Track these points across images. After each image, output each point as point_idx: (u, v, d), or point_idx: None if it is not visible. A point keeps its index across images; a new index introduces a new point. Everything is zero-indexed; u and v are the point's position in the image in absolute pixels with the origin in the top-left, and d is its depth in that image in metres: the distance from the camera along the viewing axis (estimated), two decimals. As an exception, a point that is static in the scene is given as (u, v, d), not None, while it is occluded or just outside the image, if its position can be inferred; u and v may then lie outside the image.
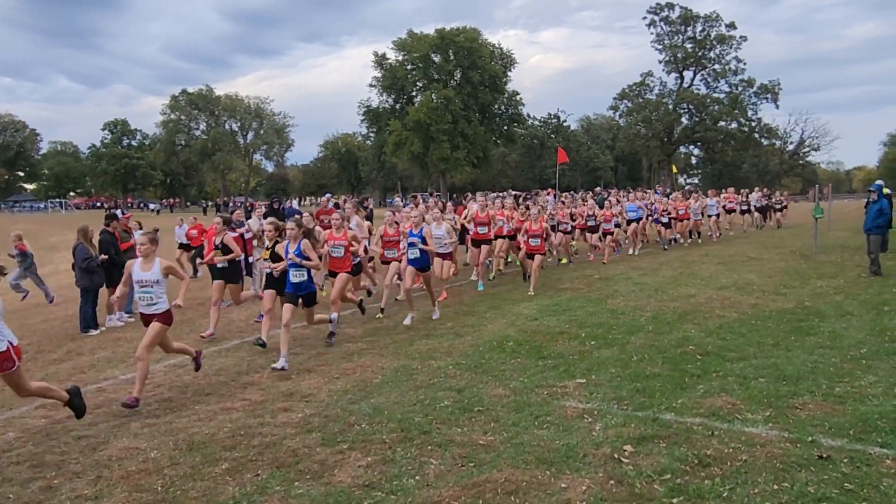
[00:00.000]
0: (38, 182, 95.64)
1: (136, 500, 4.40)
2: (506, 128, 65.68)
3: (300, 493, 4.36)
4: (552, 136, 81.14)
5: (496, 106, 63.56)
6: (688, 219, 20.77)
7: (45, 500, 4.51)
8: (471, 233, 13.81)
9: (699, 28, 67.55)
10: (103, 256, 10.81)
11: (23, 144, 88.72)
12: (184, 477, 4.74)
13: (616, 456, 4.65)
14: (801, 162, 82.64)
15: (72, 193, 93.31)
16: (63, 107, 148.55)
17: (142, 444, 5.44)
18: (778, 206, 28.45)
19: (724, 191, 28.33)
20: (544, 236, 12.58)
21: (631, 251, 18.72)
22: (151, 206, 72.74)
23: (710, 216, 23.21)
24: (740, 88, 67.49)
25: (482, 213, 13.50)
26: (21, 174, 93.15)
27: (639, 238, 19.33)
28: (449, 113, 57.53)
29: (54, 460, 5.22)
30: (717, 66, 68.26)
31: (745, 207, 27.00)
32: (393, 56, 62.00)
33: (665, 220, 20.15)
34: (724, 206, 24.55)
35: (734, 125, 68.47)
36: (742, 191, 30.15)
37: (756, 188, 32.01)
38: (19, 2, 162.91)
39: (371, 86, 63.18)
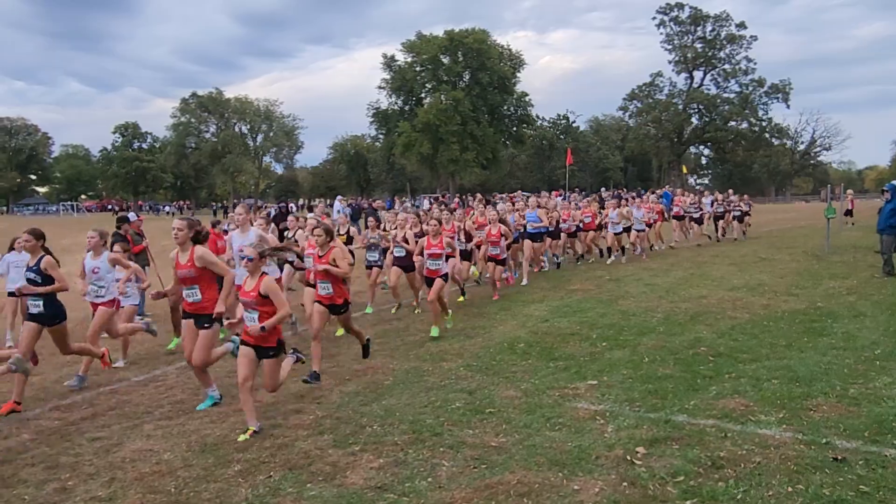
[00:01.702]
0: (50, 185, 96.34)
1: (149, 502, 4.42)
2: (515, 129, 65.65)
3: (313, 494, 4.37)
4: (561, 136, 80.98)
5: (505, 107, 63.52)
6: (593, 229, 17.33)
7: (60, 502, 4.53)
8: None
9: (709, 28, 67.37)
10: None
11: (35, 148, 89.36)
12: (197, 478, 4.76)
13: (628, 458, 4.63)
14: (812, 162, 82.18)
15: (83, 196, 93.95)
16: (73, 110, 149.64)
17: (155, 446, 5.47)
18: (737, 213, 22.45)
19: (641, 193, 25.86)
20: (504, 242, 11.92)
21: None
22: (166, 208, 73.03)
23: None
24: (751, 88, 67.22)
25: (482, 218, 13.41)
26: (33, 177, 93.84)
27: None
28: (458, 114, 57.57)
29: (69, 462, 5.26)
30: (727, 66, 68.02)
31: (696, 214, 22.32)
32: (402, 58, 62.16)
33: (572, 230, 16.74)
34: (671, 212, 21.98)
35: (745, 125, 68.18)
36: (697, 194, 26.04)
37: (709, 192, 28.71)
38: (30, 5, 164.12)
39: (380, 87, 63.38)
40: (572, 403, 5.92)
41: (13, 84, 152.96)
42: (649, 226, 18.81)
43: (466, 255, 12.44)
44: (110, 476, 4.91)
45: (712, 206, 22.80)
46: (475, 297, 12.32)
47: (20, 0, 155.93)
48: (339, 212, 22.58)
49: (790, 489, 4.07)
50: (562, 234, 16.16)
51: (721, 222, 22.31)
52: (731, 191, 27.01)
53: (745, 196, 24.65)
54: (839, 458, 4.44)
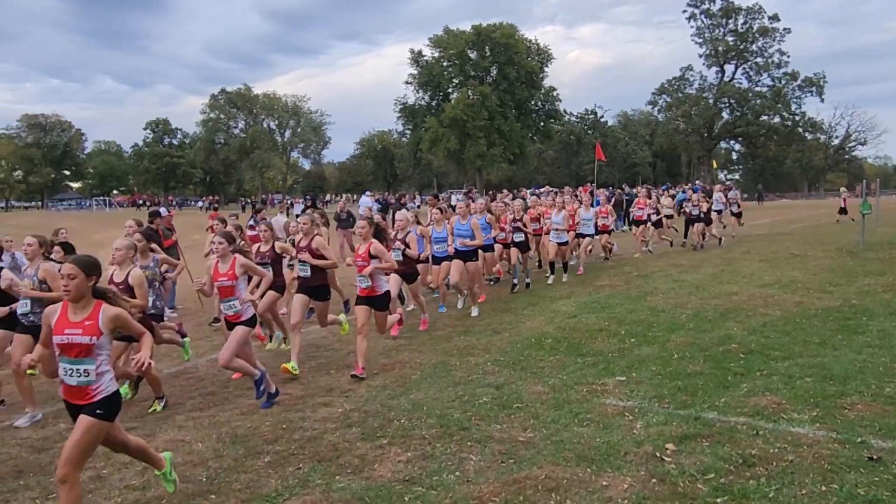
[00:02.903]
0: (84, 181, 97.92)
1: (181, 491, 4.49)
2: (542, 124, 65.23)
3: (341, 486, 4.41)
4: (589, 132, 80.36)
5: (533, 102, 63.13)
6: (606, 231, 16.21)
7: (96, 490, 4.64)
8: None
9: (741, 21, 66.09)
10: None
11: (69, 144, 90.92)
12: (228, 469, 4.83)
13: (658, 454, 4.59)
14: (846, 157, 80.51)
15: (115, 192, 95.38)
16: (107, 107, 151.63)
17: (186, 437, 5.56)
18: (697, 215, 18.73)
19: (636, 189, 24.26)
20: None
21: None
22: (199, 203, 73.79)
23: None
24: (783, 82, 65.89)
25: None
26: (67, 173, 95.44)
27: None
28: (485, 109, 57.36)
29: (103, 451, 5.32)
30: (759, 60, 66.74)
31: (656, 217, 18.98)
32: (429, 53, 62.04)
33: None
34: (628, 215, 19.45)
35: (777, 119, 66.91)
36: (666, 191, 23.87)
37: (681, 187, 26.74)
38: (67, 4, 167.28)
39: (407, 83, 63.32)
40: (600, 399, 5.89)
41: (49, 82, 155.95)
42: (606, 231, 16.15)
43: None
44: (144, 465, 4.98)
45: (680, 206, 20.07)
46: (502, 292, 12.29)
47: (61, 0, 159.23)
48: (368, 207, 22.66)
49: (824, 488, 4.00)
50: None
51: (698, 225, 18.66)
52: (720, 186, 25.65)
53: (739, 191, 23.87)
54: (874, 457, 4.36)
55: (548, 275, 13.62)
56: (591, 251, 15.42)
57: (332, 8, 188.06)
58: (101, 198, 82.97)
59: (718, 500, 3.93)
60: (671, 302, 10.22)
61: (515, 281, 12.82)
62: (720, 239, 19.41)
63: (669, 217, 20.53)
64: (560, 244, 13.29)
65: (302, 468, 4.77)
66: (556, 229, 13.09)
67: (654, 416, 5.38)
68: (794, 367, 6.48)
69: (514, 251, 12.92)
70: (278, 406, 6.30)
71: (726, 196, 23.03)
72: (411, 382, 6.81)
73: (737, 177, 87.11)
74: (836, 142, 78.48)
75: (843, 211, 27.95)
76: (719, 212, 20.91)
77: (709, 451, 4.59)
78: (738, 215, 22.33)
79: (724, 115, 69.14)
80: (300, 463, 4.86)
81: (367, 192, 49.99)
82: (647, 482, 4.19)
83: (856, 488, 3.97)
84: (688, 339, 7.89)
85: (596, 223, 15.30)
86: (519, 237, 12.79)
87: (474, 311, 10.29)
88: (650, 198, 20.25)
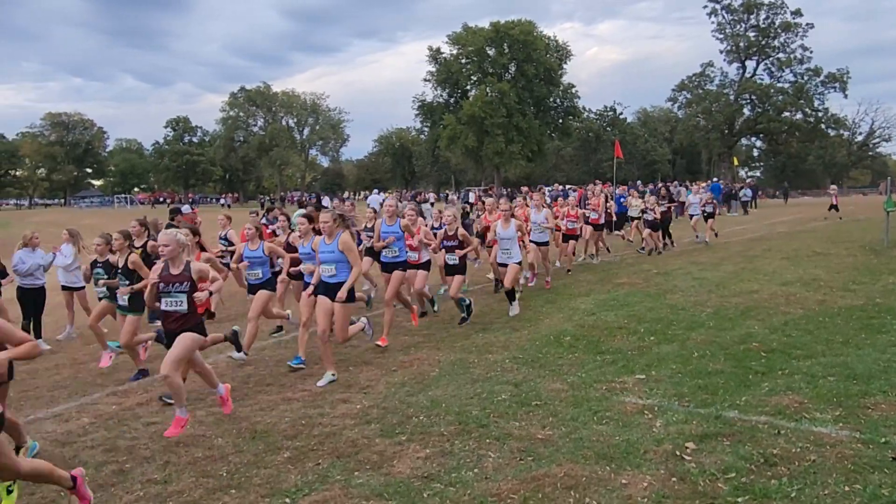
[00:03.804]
0: (105, 178, 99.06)
1: (202, 486, 4.54)
2: (561, 121, 64.96)
3: (360, 482, 4.43)
4: (608, 128, 79.86)
5: (551, 99, 62.85)
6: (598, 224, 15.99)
7: (118, 483, 4.69)
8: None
9: (762, 16, 65.25)
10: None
11: (91, 142, 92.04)
12: (248, 464, 4.87)
13: (678, 453, 4.56)
14: (870, 153, 79.31)
15: (136, 189, 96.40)
16: (128, 105, 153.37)
17: (207, 432, 5.62)
18: (651, 221, 17.28)
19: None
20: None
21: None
22: (221, 201, 74.33)
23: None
24: (806, 78, 65.01)
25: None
26: (89, 171, 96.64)
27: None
28: (503, 106, 57.21)
29: (125, 445, 5.43)
30: (781, 55, 65.87)
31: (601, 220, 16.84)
32: (447, 50, 61.93)
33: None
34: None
35: (799, 116, 66.02)
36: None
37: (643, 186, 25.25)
38: (90, 4, 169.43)
39: (426, 80, 63.29)
40: (620, 397, 5.86)
41: (72, 81, 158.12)
42: (574, 237, 14.84)
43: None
44: (165, 460, 5.05)
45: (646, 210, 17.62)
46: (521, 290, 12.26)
47: (84, 0, 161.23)
48: (379, 204, 22.76)
49: (847, 488, 3.96)
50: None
51: (650, 231, 17.35)
52: (696, 186, 23.42)
53: (709, 195, 20.17)
54: (899, 458, 4.30)
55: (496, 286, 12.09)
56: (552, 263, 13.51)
57: (350, 6, 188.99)
58: (123, 195, 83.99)
59: (739, 500, 3.90)
60: (691, 300, 10.15)
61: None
62: (655, 249, 17.33)
63: (636, 219, 19.17)
64: (539, 244, 12.37)
65: (321, 464, 4.79)
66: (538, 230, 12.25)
67: (673, 414, 5.34)
68: (816, 366, 6.41)
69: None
70: (297, 402, 6.34)
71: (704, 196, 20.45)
72: (430, 379, 6.81)
73: (758, 174, 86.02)
74: (859, 138, 77.33)
75: (834, 208, 28.12)
76: (693, 216, 19.72)
77: (729, 450, 4.56)
78: (711, 216, 19.47)
79: (746, 111, 68.35)
80: (319, 459, 4.89)
81: (376, 190, 50.07)
82: (666, 481, 4.17)
83: (879, 489, 3.92)
84: (708, 337, 7.82)
85: (587, 219, 15.53)
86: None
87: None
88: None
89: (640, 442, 4.80)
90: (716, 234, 19.92)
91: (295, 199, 54.97)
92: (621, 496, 4.02)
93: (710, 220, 19.34)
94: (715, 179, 40.36)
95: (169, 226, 11.73)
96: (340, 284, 7.00)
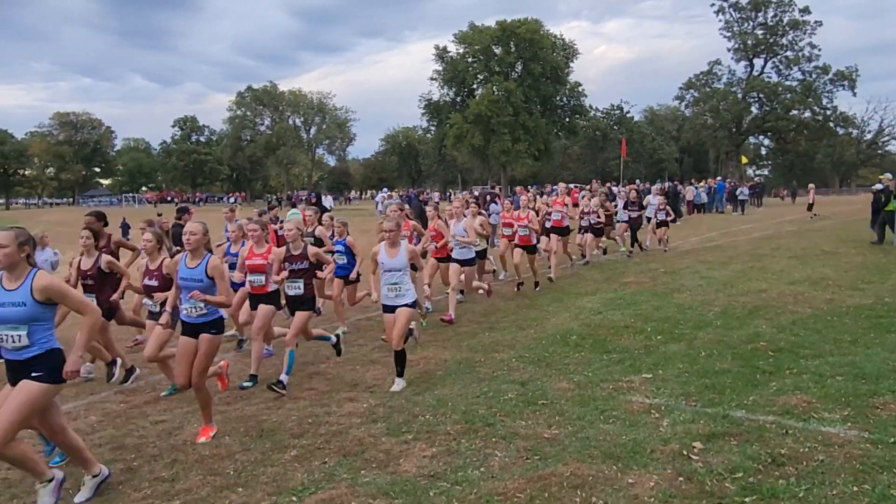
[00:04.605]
0: (113, 177, 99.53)
1: (209, 484, 4.55)
2: (567, 120, 64.79)
3: (367, 481, 4.43)
4: (615, 127, 79.68)
5: (558, 98, 62.70)
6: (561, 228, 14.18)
7: (126, 481, 4.71)
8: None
9: (770, 13, 64.98)
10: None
11: (99, 141, 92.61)
12: (255, 462, 4.88)
13: (685, 452, 4.55)
14: (879, 152, 78.86)
15: (144, 188, 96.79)
16: (136, 105, 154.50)
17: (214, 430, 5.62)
18: (589, 225, 15.46)
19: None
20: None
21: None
22: (231, 200, 74.41)
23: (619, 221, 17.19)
24: (814, 76, 64.70)
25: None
26: (97, 170, 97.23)
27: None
28: (510, 105, 57.08)
29: (133, 443, 5.45)
30: (789, 53, 65.60)
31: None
32: (454, 49, 61.83)
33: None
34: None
35: (807, 114, 65.75)
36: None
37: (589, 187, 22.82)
38: (99, 5, 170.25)
39: (432, 79, 63.21)
40: (626, 397, 5.85)
41: (81, 80, 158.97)
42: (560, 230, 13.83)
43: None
44: (172, 458, 5.07)
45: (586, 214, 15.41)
46: (526, 289, 12.25)
47: (93, 0, 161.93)
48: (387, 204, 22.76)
49: (855, 488, 3.93)
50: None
51: (587, 236, 15.50)
52: (657, 188, 21.93)
53: (662, 200, 17.94)
54: (908, 458, 4.27)
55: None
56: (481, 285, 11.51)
57: (357, 5, 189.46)
58: (131, 194, 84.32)
59: (747, 500, 3.88)
60: (698, 299, 10.11)
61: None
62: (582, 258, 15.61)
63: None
64: (462, 262, 10.19)
65: (328, 462, 4.80)
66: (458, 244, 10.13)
67: (680, 413, 5.32)
68: (824, 366, 6.38)
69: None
70: (304, 401, 6.35)
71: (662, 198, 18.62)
72: (436, 378, 6.81)
73: (766, 172, 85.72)
74: (868, 136, 76.90)
75: (810, 207, 28.51)
76: (651, 220, 18.06)
77: (737, 450, 4.54)
78: (664, 224, 17.54)
79: (753, 109, 68.11)
80: (326, 457, 4.89)
81: (384, 189, 50.12)
82: (673, 480, 4.15)
83: (888, 489, 3.90)
84: (715, 336, 7.80)
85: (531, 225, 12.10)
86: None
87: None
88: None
89: (647, 441, 4.78)
90: (651, 245, 17.93)
91: (302, 197, 54.92)
92: (628, 495, 4.01)
93: (662, 228, 17.36)
94: (719, 178, 40.12)
95: (175, 225, 11.78)
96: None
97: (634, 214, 17.36)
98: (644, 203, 18.87)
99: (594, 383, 6.28)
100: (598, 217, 15.60)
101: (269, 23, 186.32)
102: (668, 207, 17.81)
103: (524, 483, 4.22)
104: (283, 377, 6.72)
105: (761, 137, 74.65)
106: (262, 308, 7.39)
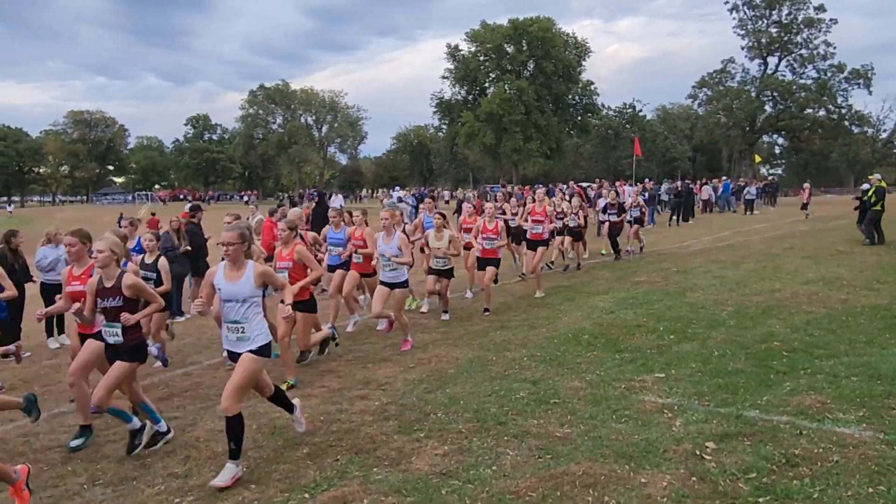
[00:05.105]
0: (126, 175, 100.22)
1: (223, 480, 4.57)
2: (579, 118, 64.69)
3: (379, 478, 4.44)
4: (627, 126, 79.41)
5: (570, 96, 62.61)
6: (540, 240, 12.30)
7: (140, 477, 4.75)
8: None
9: (785, 11, 64.53)
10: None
11: (112, 140, 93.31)
12: (267, 460, 4.91)
13: (698, 452, 4.53)
14: (895, 150, 78.15)
15: (157, 186, 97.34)
16: (150, 103, 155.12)
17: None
18: (573, 227, 14.44)
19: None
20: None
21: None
22: (245, 198, 74.66)
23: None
24: (829, 74, 64.20)
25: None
26: (111, 168, 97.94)
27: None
28: (522, 104, 57.04)
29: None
30: (804, 51, 65.12)
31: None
32: (466, 47, 61.88)
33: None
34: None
35: (822, 112, 65.25)
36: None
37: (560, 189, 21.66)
38: (115, 4, 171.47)
39: (444, 78, 63.31)
40: (639, 396, 5.83)
41: (95, 79, 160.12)
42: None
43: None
44: (186, 454, 5.11)
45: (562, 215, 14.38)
46: (538, 288, 12.23)
47: (108, 0, 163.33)
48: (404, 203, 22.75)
49: (871, 490, 3.91)
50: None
51: (564, 239, 14.43)
52: (638, 189, 20.28)
53: (635, 198, 17.02)
54: (924, 459, 4.23)
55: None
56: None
57: (370, 4, 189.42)
58: (143, 192, 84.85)
59: (760, 500, 3.86)
60: (711, 298, 10.06)
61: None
62: (577, 264, 14.78)
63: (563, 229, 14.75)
64: (392, 285, 8.26)
65: (340, 460, 4.81)
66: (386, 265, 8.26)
67: (693, 413, 5.30)
68: (839, 366, 6.33)
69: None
70: (316, 398, 6.37)
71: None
72: (448, 377, 6.81)
73: (780, 171, 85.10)
74: (884, 135, 76.20)
75: (804, 206, 28.10)
76: (632, 222, 16.52)
77: (750, 450, 4.51)
78: (638, 222, 16.72)
79: (767, 108, 67.71)
80: (338, 455, 4.91)
81: (397, 187, 50.15)
82: (686, 480, 4.14)
83: (904, 491, 3.87)
84: (729, 336, 7.75)
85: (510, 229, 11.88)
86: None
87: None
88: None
89: (660, 441, 4.76)
90: (630, 249, 16.78)
91: (313, 195, 54.97)
92: (640, 495, 4.00)
93: (634, 226, 16.44)
94: (724, 178, 39.72)
95: (189, 223, 11.84)
96: None
97: (615, 218, 15.90)
98: (633, 204, 17.19)
99: (606, 382, 6.26)
100: (578, 219, 14.36)
101: (282, 21, 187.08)
102: (640, 205, 16.79)
103: (536, 482, 4.22)
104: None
105: (775, 136, 74.21)
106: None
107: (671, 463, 4.40)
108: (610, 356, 7.21)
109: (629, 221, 16.46)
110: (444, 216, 9.56)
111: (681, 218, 26.77)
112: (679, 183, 33.83)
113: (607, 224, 16.30)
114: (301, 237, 8.33)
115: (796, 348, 7.06)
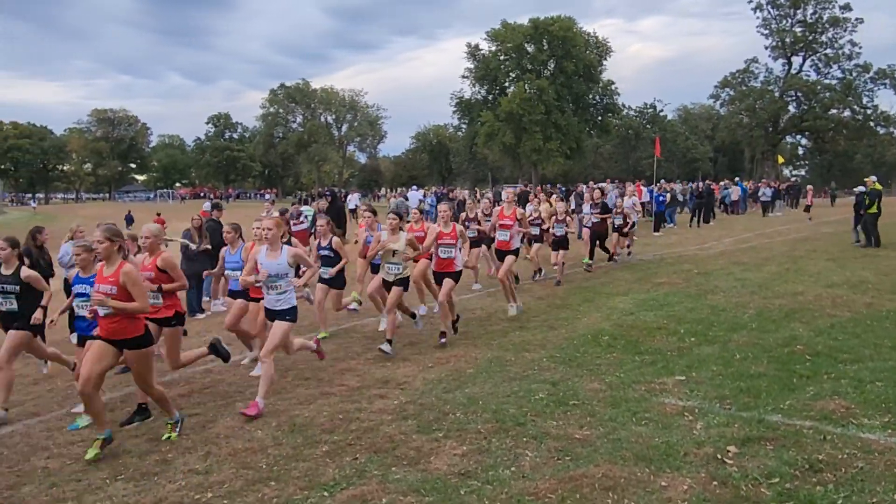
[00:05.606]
0: (148, 173, 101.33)
1: (242, 477, 4.61)
2: (600, 118, 64.23)
3: (397, 478, 4.44)
4: (648, 126, 78.84)
5: (590, 96, 62.19)
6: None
7: (161, 472, 4.79)
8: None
9: (810, 10, 63.60)
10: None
11: (135, 138, 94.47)
12: (287, 457, 4.93)
13: (719, 456, 4.48)
14: (921, 152, 76.93)
15: (178, 184, 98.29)
16: (173, 102, 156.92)
17: (247, 425, 5.69)
18: (559, 232, 13.11)
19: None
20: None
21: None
22: (266, 196, 75.01)
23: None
24: (855, 74, 63.21)
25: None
26: (133, 166, 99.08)
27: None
28: (542, 103, 56.74)
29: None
30: (828, 51, 64.15)
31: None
32: (486, 47, 61.64)
33: None
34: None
35: (847, 113, 64.24)
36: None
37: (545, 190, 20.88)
38: (141, 4, 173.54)
39: (464, 77, 63.17)
40: (659, 398, 5.78)
41: (120, 78, 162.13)
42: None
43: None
44: (206, 451, 5.14)
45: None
46: (558, 288, 12.18)
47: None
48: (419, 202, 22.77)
49: (896, 497, 3.84)
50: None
51: (540, 247, 13.70)
52: (629, 191, 18.71)
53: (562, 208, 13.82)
54: (952, 467, 4.16)
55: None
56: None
57: (391, 3, 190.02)
58: (165, 190, 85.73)
59: (783, 506, 3.81)
60: (733, 301, 9.96)
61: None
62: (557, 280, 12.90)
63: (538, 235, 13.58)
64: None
65: (359, 458, 4.82)
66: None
67: (715, 416, 5.25)
68: (864, 371, 6.23)
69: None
70: (335, 397, 6.39)
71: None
72: (466, 377, 6.81)
73: (803, 172, 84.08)
74: (910, 136, 74.97)
75: (807, 209, 28.28)
76: (619, 228, 15.51)
77: (773, 455, 4.46)
78: (622, 232, 15.65)
79: (791, 108, 66.80)
80: (357, 453, 4.92)
81: (415, 187, 50.23)
82: (707, 484, 4.10)
83: (931, 499, 3.80)
84: (750, 339, 7.67)
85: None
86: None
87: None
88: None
89: (681, 444, 4.72)
90: (624, 254, 15.95)
91: (328, 192, 55.10)
92: (661, 498, 3.96)
93: (614, 234, 15.61)
94: (737, 179, 39.14)
95: (210, 221, 11.94)
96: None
97: (597, 220, 14.73)
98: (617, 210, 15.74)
99: (626, 384, 6.22)
100: (567, 227, 13.20)
101: (305, 21, 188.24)
102: (624, 212, 15.51)
103: (555, 483, 4.20)
104: None
105: (798, 137, 73.20)
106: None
107: (692, 466, 4.36)
108: (630, 358, 7.16)
109: (615, 230, 15.49)
110: (399, 217, 8.42)
111: (701, 219, 26.53)
112: (700, 183, 33.43)
113: (590, 226, 14.75)
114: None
115: (820, 352, 6.96)
